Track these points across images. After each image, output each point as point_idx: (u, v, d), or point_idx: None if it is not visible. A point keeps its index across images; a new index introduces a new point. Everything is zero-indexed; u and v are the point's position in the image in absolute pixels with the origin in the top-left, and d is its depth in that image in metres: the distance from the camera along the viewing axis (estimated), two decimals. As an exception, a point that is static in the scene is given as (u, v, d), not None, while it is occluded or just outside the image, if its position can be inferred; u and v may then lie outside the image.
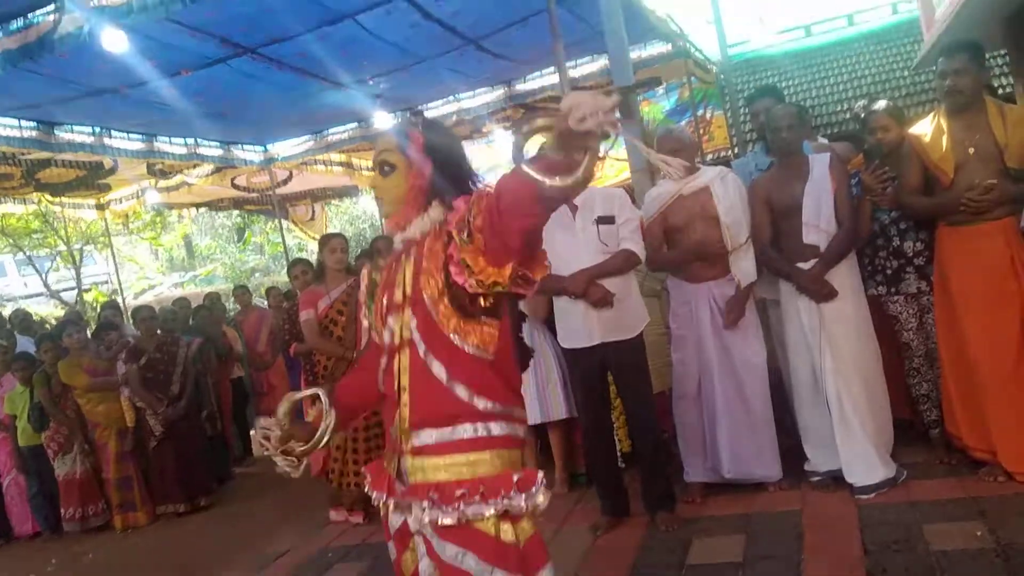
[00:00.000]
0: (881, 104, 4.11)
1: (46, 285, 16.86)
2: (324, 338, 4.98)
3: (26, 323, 7.98)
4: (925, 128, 3.70)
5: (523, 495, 1.80)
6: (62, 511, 6.05)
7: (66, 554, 5.63)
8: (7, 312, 8.94)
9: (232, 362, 7.51)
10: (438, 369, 1.84)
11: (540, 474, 1.85)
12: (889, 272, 3.98)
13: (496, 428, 1.85)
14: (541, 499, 1.82)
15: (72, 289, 16.31)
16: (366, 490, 2.05)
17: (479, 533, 1.79)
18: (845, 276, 3.82)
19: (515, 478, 1.81)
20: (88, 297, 15.71)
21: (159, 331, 6.31)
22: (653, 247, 4.06)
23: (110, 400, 6.03)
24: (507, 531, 1.79)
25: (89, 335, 6.62)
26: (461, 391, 1.84)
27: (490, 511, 1.78)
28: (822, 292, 3.75)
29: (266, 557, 4.63)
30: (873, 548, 3.14)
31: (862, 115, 4.25)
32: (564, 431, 4.69)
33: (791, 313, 3.90)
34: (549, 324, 4.48)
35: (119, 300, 10.49)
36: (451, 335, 1.82)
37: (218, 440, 6.98)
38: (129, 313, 7.78)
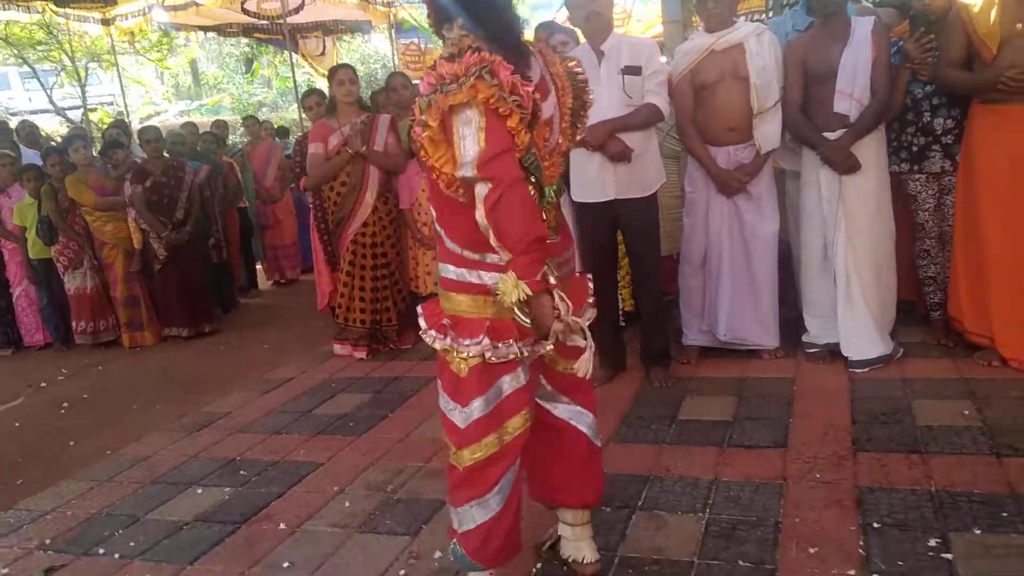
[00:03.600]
0: (935, -32, 3.87)
1: (51, 101, 16.53)
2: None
3: (33, 136, 7.86)
4: (975, -1, 3.50)
5: (493, 343, 1.96)
6: (73, 324, 6.20)
7: (76, 364, 5.81)
8: (12, 125, 8.79)
9: (238, 193, 7.46)
10: (434, 210, 2.08)
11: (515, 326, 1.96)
12: (915, 149, 3.88)
13: (469, 274, 2.01)
14: (511, 350, 1.97)
15: (78, 108, 16.01)
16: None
17: (446, 364, 2.06)
18: (871, 150, 3.72)
19: (486, 325, 1.99)
20: (93, 117, 15.43)
21: (166, 155, 6.23)
22: (682, 105, 3.94)
23: (117, 219, 6.05)
24: (461, 367, 2.01)
25: (95, 153, 6.55)
26: (443, 233, 2.05)
27: (449, 345, 2.02)
28: (845, 164, 3.66)
29: (270, 382, 4.77)
30: (861, 419, 3.24)
31: (911, -21, 4.00)
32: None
33: (810, 183, 3.83)
34: (564, 177, 4.41)
35: (126, 121, 10.30)
36: (433, 175, 1.94)
37: (224, 269, 7.05)
38: (136, 134, 7.64)
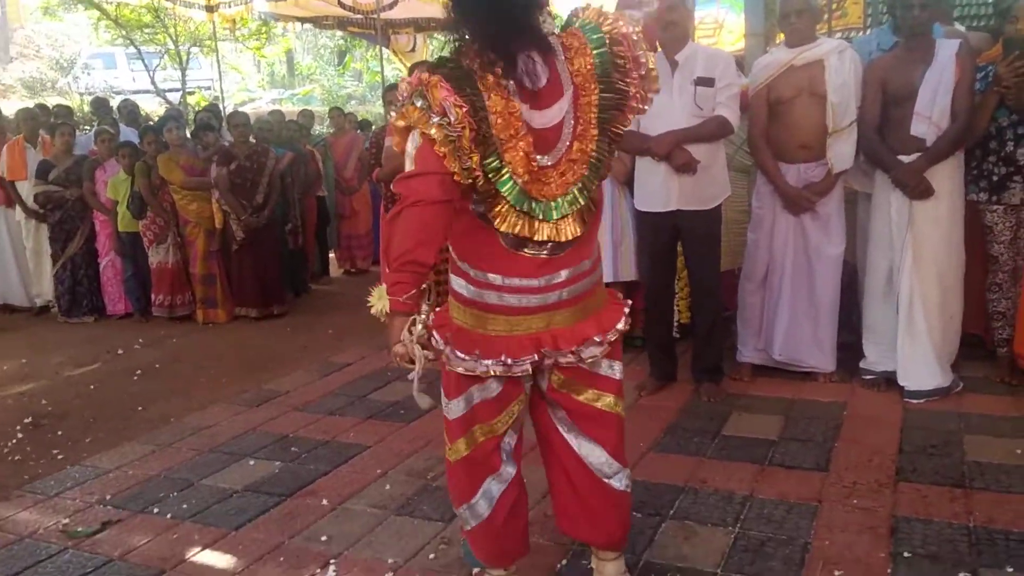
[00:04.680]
0: (1032, -10, 3.75)
1: (153, 82, 17.30)
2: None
3: (133, 114, 8.27)
4: (1071, 25, 3.38)
5: (454, 352, 1.99)
6: (153, 297, 6.51)
7: (152, 335, 6.10)
8: (115, 103, 9.27)
9: (318, 181, 7.70)
10: None
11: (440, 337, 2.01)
12: (995, 179, 3.75)
13: (455, 282, 2.02)
14: (464, 363, 1.97)
15: (177, 90, 16.71)
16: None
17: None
18: (946, 176, 3.62)
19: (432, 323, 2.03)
20: (191, 100, 16.11)
21: (252, 140, 6.49)
22: (756, 119, 3.91)
23: (202, 199, 6.32)
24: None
25: (188, 135, 6.86)
26: (449, 243, 2.03)
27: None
28: (918, 188, 3.58)
29: (331, 365, 4.93)
30: (908, 448, 3.16)
31: (1002, 4, 3.89)
32: (628, 293, 4.73)
33: (881, 206, 3.75)
34: (629, 185, 4.43)
35: (220, 107, 10.73)
36: None
37: (299, 254, 7.28)
38: (225, 119, 7.97)
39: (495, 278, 1.92)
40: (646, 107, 1.95)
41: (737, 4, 10.17)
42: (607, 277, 4.45)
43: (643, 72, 1.89)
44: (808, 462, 3.11)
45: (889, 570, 2.35)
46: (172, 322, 6.43)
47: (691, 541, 2.59)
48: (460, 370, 1.99)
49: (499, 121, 1.79)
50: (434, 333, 2.02)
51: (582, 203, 1.89)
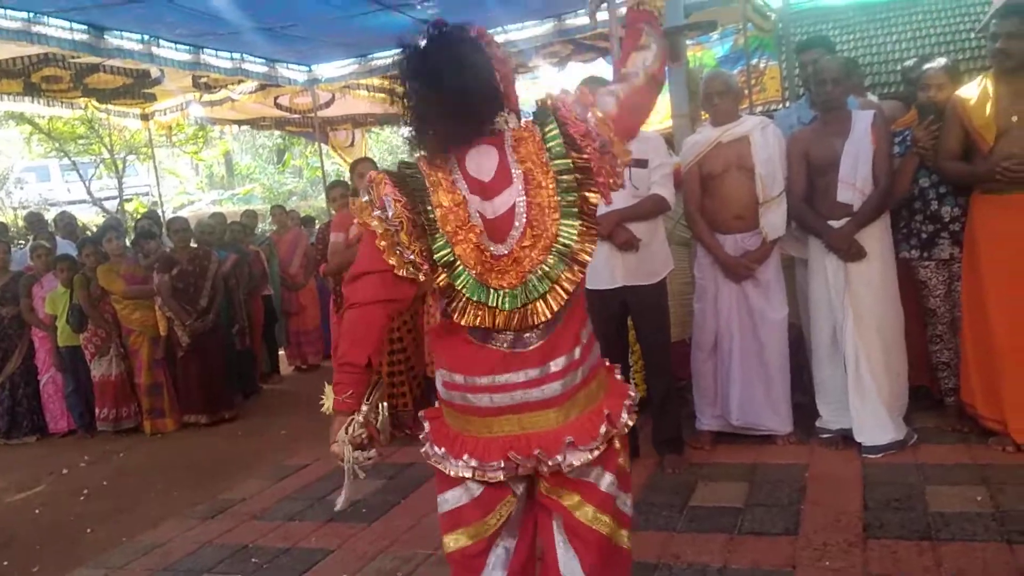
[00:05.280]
0: (940, 61, 4.03)
1: (89, 192, 17.15)
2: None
3: (70, 227, 8.14)
4: (971, 92, 3.62)
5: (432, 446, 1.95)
6: (96, 411, 6.29)
7: (98, 451, 5.88)
8: (51, 215, 9.14)
9: (263, 280, 7.66)
10: None
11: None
12: (924, 236, 3.94)
13: (437, 380, 1.99)
14: (445, 463, 1.92)
15: (114, 198, 16.57)
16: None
17: None
18: (876, 238, 3.79)
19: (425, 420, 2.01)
20: (129, 207, 15.98)
21: (193, 243, 6.45)
22: (691, 194, 4.05)
23: (145, 308, 6.22)
24: None
25: (128, 243, 6.78)
26: None
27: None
28: (850, 251, 3.73)
29: (286, 469, 4.80)
30: (873, 504, 3.20)
31: (911, 74, 4.15)
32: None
33: (817, 270, 3.89)
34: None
35: (159, 212, 10.67)
36: None
37: (247, 355, 7.17)
38: (165, 225, 7.92)
39: (459, 378, 1.89)
40: (618, 180, 1.86)
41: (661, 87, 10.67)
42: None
43: (598, 145, 1.82)
44: (777, 527, 3.12)
45: (868, 632, 2.34)
46: (118, 436, 6.21)
47: (670, 620, 2.55)
48: (435, 464, 1.95)
49: (444, 215, 1.80)
50: (425, 424, 2.00)
51: (541, 291, 1.80)
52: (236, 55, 7.75)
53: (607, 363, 2.03)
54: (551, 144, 1.83)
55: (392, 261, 1.81)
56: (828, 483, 3.48)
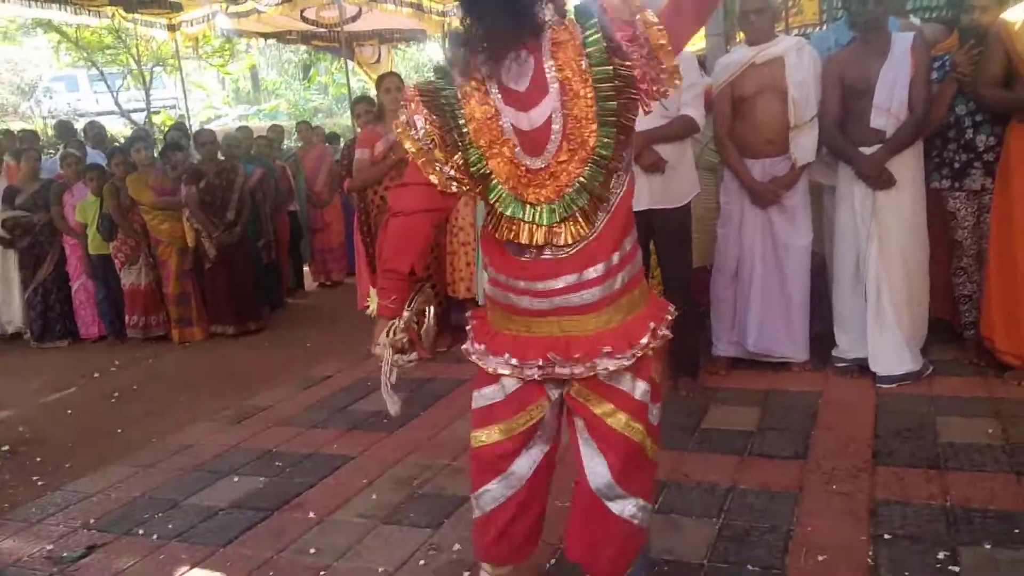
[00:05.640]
0: (984, -19, 3.86)
1: (117, 103, 17.13)
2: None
3: (100, 136, 8.20)
4: (1018, 14, 3.48)
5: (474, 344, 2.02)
6: (127, 318, 6.45)
7: (128, 357, 6.06)
8: (79, 125, 9.18)
9: (289, 195, 7.69)
10: None
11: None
12: (956, 166, 3.86)
13: (487, 279, 2.02)
14: (485, 360, 1.98)
15: (141, 110, 16.55)
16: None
17: None
18: (906, 166, 3.71)
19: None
20: (156, 119, 15.97)
21: (220, 157, 6.47)
22: (721, 117, 3.99)
23: (173, 219, 6.28)
24: None
25: (156, 155, 6.82)
26: None
27: None
28: (880, 179, 3.67)
29: (310, 379, 4.93)
30: (883, 432, 3.24)
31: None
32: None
33: (845, 197, 3.84)
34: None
35: (186, 125, 10.67)
36: None
37: (273, 269, 7.26)
38: (192, 137, 7.94)
39: (504, 278, 1.90)
40: (663, 88, 1.76)
41: (697, 4, 10.36)
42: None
43: (646, 52, 1.73)
44: (787, 451, 3.17)
45: (870, 552, 2.41)
46: (147, 343, 6.38)
47: (677, 534, 2.63)
48: (475, 360, 2.00)
49: (478, 128, 1.77)
50: (471, 322, 2.07)
51: (580, 205, 1.77)
52: (263, -37, 7.63)
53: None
54: (591, 49, 1.74)
55: (433, 178, 1.83)
56: (840, 410, 3.52)
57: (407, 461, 3.50)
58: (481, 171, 1.79)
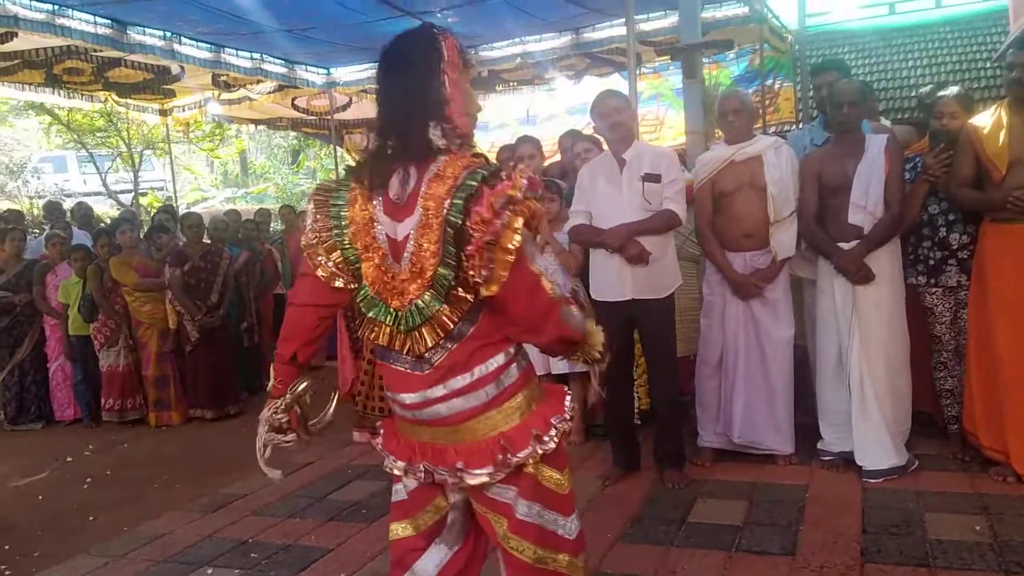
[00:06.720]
0: (953, 90, 4.05)
1: (105, 185, 17.24)
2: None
3: (87, 217, 8.23)
4: (985, 120, 3.64)
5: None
6: (103, 400, 6.35)
7: (103, 441, 5.92)
8: (67, 206, 9.22)
9: (275, 278, 7.70)
10: None
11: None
12: (931, 263, 3.95)
13: None
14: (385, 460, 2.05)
15: (129, 191, 16.68)
16: None
17: None
18: (885, 261, 3.80)
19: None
20: (144, 201, 16.09)
21: (206, 239, 6.50)
22: (702, 211, 4.08)
23: (155, 301, 6.27)
24: None
25: (142, 236, 6.85)
26: None
27: None
28: (859, 274, 3.74)
29: (289, 465, 4.82)
30: (871, 529, 3.21)
31: (927, 100, 4.17)
32: (586, 383, 4.77)
33: (825, 291, 3.90)
34: (583, 277, 4.54)
35: (174, 207, 10.75)
36: None
37: (254, 352, 7.20)
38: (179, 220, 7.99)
39: (387, 388, 2.01)
40: (487, 282, 1.74)
41: (676, 102, 10.70)
42: (562, 369, 4.51)
43: (488, 238, 1.71)
44: (775, 547, 3.12)
45: (861, 654, 2.35)
46: (123, 426, 6.25)
47: (664, 634, 2.57)
48: (384, 461, 2.07)
49: (356, 232, 1.88)
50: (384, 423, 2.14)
51: (416, 322, 1.80)
52: (256, 55, 7.84)
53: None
54: (456, 199, 1.74)
55: (319, 272, 1.95)
56: (827, 505, 3.48)
57: (386, 554, 3.39)
58: (357, 271, 1.91)
